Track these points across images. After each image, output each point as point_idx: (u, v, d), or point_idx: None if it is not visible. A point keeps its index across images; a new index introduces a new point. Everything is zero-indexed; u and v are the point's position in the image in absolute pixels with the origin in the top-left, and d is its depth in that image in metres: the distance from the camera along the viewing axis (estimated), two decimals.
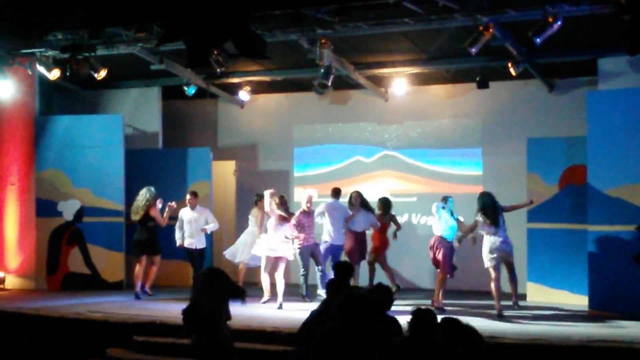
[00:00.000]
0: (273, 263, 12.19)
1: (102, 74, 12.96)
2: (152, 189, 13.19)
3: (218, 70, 12.64)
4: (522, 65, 12.62)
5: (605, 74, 12.84)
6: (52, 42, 12.66)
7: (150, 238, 13.14)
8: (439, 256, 11.77)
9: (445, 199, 11.99)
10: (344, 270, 7.93)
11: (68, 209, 14.44)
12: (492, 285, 11.38)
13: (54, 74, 13.10)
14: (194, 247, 13.01)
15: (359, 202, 13.42)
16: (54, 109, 15.55)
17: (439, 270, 11.91)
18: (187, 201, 13.18)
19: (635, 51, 9.91)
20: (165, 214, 13.14)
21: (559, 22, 10.22)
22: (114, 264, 14.18)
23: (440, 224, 11.86)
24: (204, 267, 12.80)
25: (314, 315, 7.14)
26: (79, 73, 12.73)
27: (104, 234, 14.28)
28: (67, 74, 12.85)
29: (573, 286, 12.50)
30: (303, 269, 12.55)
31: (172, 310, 11.28)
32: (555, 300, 12.64)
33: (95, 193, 14.32)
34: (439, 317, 5.90)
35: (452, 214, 11.91)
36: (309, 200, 12.65)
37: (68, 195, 14.44)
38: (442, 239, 11.83)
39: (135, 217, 13.17)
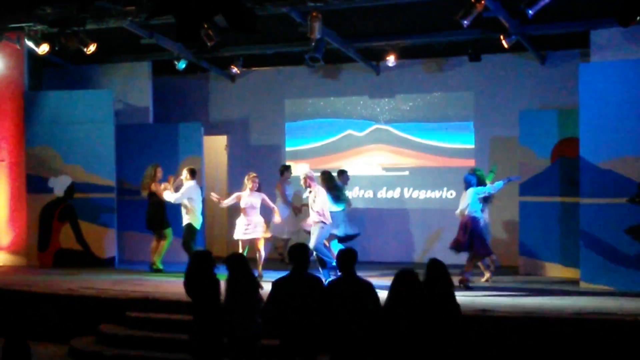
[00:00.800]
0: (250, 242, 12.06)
1: (91, 48, 12.82)
2: (157, 164, 13.20)
3: (209, 44, 12.53)
4: (514, 37, 12.53)
5: (598, 46, 12.77)
6: (41, 16, 12.52)
7: (154, 213, 13.16)
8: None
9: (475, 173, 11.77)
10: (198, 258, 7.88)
11: (59, 185, 14.38)
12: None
13: (43, 49, 12.98)
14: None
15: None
16: (43, 84, 15.42)
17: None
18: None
19: (628, 22, 9.83)
20: (162, 187, 13.09)
21: None
22: (106, 240, 14.15)
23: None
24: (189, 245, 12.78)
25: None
26: (68, 48, 12.62)
27: (95, 210, 14.22)
28: (56, 48, 12.75)
29: (565, 259, 12.54)
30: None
31: (165, 285, 11.31)
32: (548, 273, 12.69)
33: (86, 169, 14.25)
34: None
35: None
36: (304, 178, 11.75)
37: (59, 172, 14.36)
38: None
39: (143, 193, 13.31)
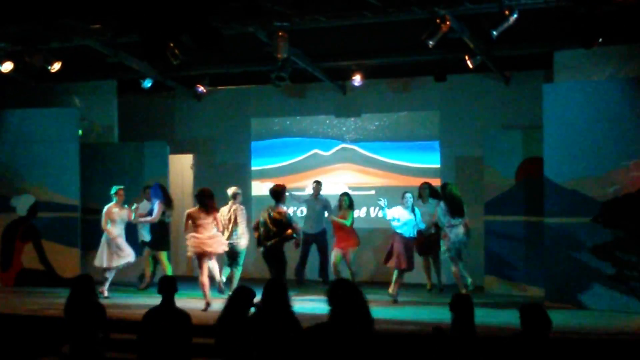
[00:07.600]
0: None
1: (55, 66, 12.72)
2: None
3: (174, 62, 12.46)
4: (479, 58, 12.65)
5: (561, 67, 12.91)
6: (4, 34, 12.40)
7: None
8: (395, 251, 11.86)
9: (404, 196, 12.01)
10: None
11: (22, 204, 14.23)
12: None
13: (6, 67, 12.85)
14: None
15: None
16: (6, 102, 15.27)
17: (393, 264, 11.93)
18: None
19: (591, 44, 10.00)
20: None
21: (515, 15, 10.25)
22: (70, 259, 13.99)
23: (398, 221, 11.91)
24: None
25: None
26: (32, 66, 12.50)
27: (59, 229, 14.07)
28: (20, 66, 12.63)
29: (530, 278, 12.62)
30: None
31: (128, 305, 11.18)
32: (512, 292, 12.74)
33: (49, 188, 14.11)
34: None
35: (412, 210, 11.95)
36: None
37: (22, 190, 14.22)
38: (397, 235, 11.90)
39: None
